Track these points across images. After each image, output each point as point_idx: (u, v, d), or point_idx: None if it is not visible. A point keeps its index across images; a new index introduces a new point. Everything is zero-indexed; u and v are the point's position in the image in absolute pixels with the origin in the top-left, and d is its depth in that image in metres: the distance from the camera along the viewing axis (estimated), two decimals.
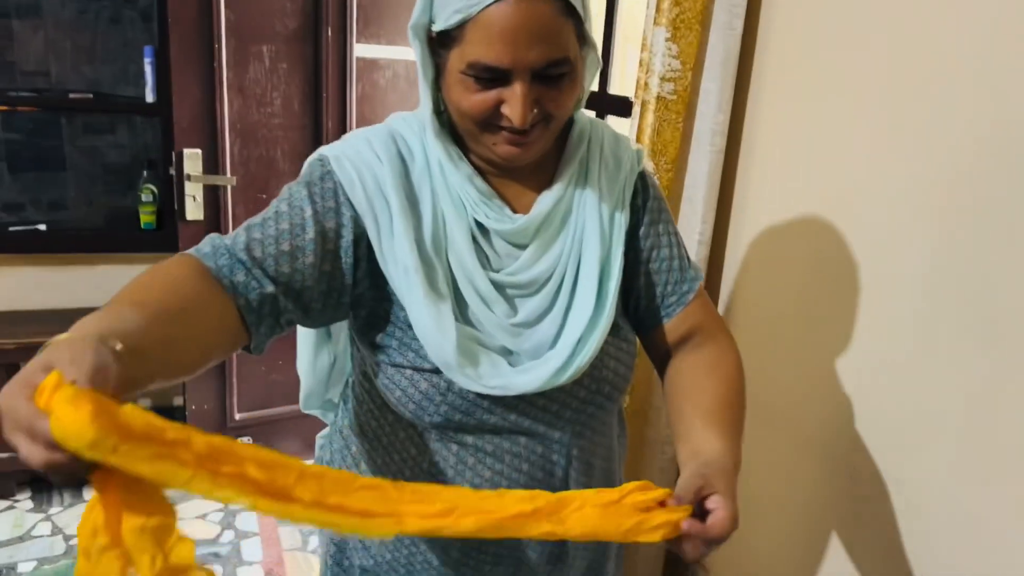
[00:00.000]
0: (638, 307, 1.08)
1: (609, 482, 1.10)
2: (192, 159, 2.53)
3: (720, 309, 1.67)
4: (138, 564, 0.60)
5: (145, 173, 2.93)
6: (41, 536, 2.40)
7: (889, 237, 1.27)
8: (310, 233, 0.90)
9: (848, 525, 1.39)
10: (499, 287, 0.95)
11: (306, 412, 1.26)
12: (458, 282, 0.94)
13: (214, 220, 2.60)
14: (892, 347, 1.27)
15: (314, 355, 1.18)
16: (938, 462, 1.20)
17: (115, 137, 3.05)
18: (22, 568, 2.24)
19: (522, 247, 0.97)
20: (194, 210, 2.56)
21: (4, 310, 2.79)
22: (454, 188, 0.95)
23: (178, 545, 0.63)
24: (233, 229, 2.64)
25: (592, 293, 0.97)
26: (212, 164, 2.57)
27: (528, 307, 0.96)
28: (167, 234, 2.89)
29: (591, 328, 0.96)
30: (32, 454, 0.57)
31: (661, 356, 1.11)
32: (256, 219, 0.92)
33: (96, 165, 3.04)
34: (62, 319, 2.95)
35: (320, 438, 1.24)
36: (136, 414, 0.60)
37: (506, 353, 0.96)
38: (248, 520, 2.56)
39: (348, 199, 0.92)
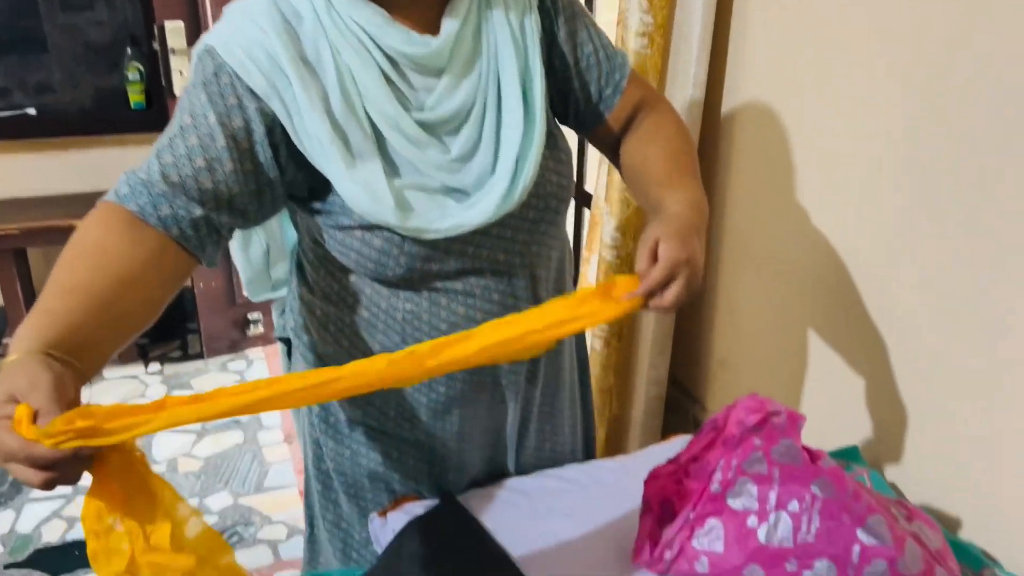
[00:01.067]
0: (579, 109, 1.08)
1: (561, 289, 1.14)
2: (174, 32, 2.46)
3: (712, 156, 1.66)
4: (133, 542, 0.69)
5: (129, 50, 2.87)
6: None
7: (885, 78, 1.24)
8: (220, 140, 0.86)
9: (837, 355, 1.43)
10: (426, 127, 0.93)
11: (255, 300, 1.26)
12: (383, 133, 0.91)
13: None
14: (880, 186, 1.27)
15: (244, 246, 1.17)
16: (925, 291, 1.23)
17: (94, 13, 2.96)
18: None
19: (437, 75, 0.94)
20: (182, 86, 2.52)
21: (6, 197, 2.80)
22: (354, 24, 0.89)
23: (158, 530, 0.70)
24: None
25: (519, 109, 0.95)
26: (195, 37, 2.50)
27: (460, 141, 0.94)
28: (157, 112, 2.85)
29: (526, 145, 0.95)
30: (29, 477, 0.64)
31: (612, 146, 1.11)
32: (163, 140, 0.88)
33: (78, 44, 2.97)
34: (64, 204, 2.94)
35: (276, 308, 1.24)
36: (108, 407, 0.67)
37: (450, 191, 0.95)
38: None
39: (248, 89, 0.87)
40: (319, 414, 1.13)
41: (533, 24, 0.98)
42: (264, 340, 2.95)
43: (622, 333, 1.83)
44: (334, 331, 1.06)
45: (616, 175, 1.64)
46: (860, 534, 0.87)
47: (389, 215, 0.89)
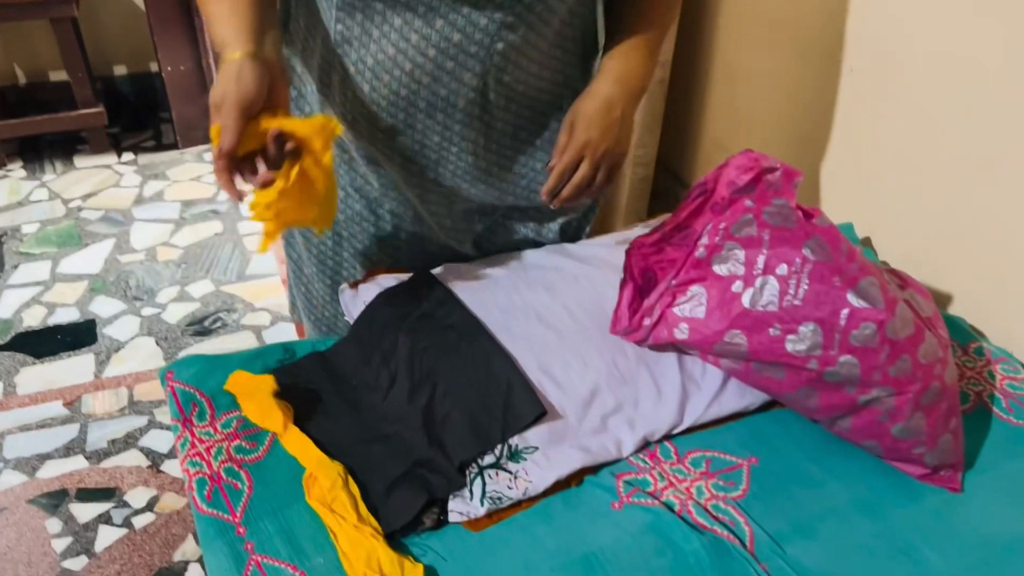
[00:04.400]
0: None
1: (535, 122, 1.02)
2: None
3: None
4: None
5: None
6: (40, 201, 2.42)
7: None
8: None
9: (843, 131, 1.34)
10: None
11: None
12: None
13: None
14: None
15: None
16: (945, 44, 1.12)
17: None
18: (26, 229, 2.29)
19: None
20: None
21: None
22: None
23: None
24: None
25: None
26: None
27: None
28: None
29: None
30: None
31: None
32: None
33: None
34: None
35: None
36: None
37: None
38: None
39: None
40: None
41: None
42: None
43: None
44: (292, 31, 1.00)
45: None
46: (850, 296, 0.83)
47: None
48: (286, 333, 1.98)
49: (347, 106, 0.96)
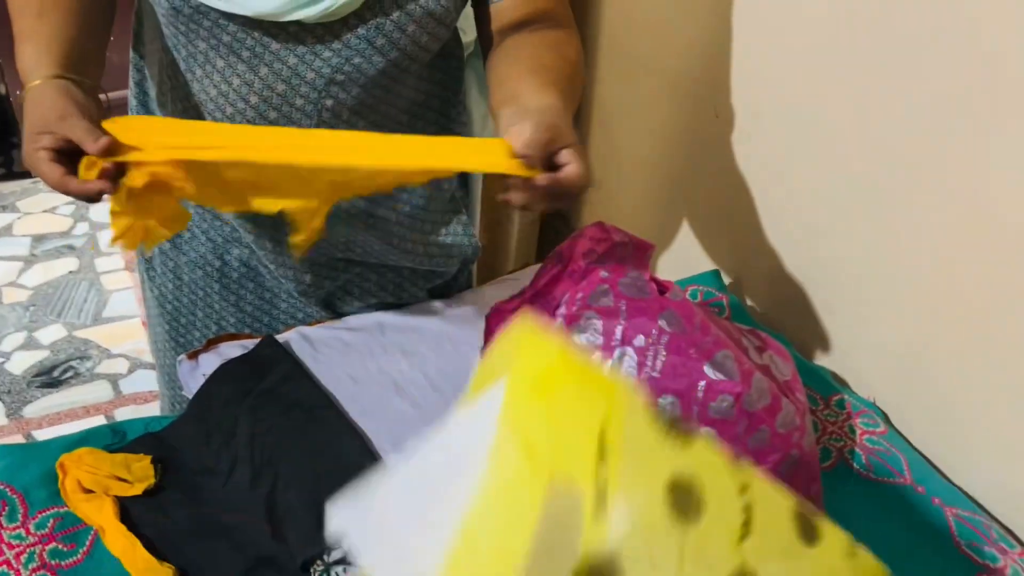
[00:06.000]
0: None
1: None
2: None
3: None
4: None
5: None
6: None
7: None
8: None
9: (714, 174, 1.34)
10: None
11: None
12: None
13: None
14: None
15: None
16: (797, 94, 1.13)
17: None
18: None
19: None
20: None
21: None
22: None
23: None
24: None
25: None
26: None
27: None
28: None
29: None
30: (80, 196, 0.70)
31: (486, 38, 0.91)
32: None
33: None
34: None
35: None
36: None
37: None
38: (102, 211, 2.39)
39: None
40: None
41: None
42: None
43: None
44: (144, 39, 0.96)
45: None
46: (707, 369, 0.80)
47: None
48: (146, 381, 1.85)
49: None
